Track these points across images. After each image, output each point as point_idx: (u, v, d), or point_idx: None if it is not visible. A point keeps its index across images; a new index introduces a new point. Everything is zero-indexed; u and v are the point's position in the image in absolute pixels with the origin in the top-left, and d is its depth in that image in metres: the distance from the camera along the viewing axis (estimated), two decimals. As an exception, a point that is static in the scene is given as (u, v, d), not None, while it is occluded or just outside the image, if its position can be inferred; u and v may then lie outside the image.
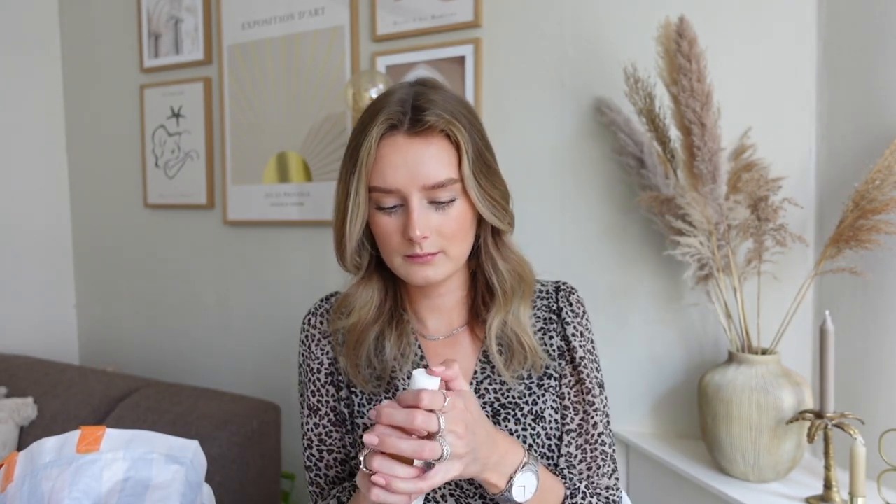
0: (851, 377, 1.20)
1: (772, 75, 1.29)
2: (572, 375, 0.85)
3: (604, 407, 0.85)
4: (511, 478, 0.70)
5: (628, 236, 1.43)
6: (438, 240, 0.75)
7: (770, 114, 1.29)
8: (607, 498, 0.82)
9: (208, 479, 0.96)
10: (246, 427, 1.42)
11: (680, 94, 1.17)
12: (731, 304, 1.25)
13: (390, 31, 1.63)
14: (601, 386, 0.86)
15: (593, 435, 0.84)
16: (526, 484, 0.71)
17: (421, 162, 0.73)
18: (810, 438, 1.08)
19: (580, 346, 0.85)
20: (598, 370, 0.87)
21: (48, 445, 0.82)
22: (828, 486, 1.10)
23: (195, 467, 0.90)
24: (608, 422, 0.86)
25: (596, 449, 0.83)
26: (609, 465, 0.84)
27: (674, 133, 1.27)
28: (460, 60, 1.55)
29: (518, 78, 1.52)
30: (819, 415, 1.10)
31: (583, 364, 0.85)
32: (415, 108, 0.73)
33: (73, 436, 0.84)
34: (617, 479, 0.85)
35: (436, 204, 0.75)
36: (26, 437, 1.61)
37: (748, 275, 1.24)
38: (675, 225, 1.22)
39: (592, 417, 0.84)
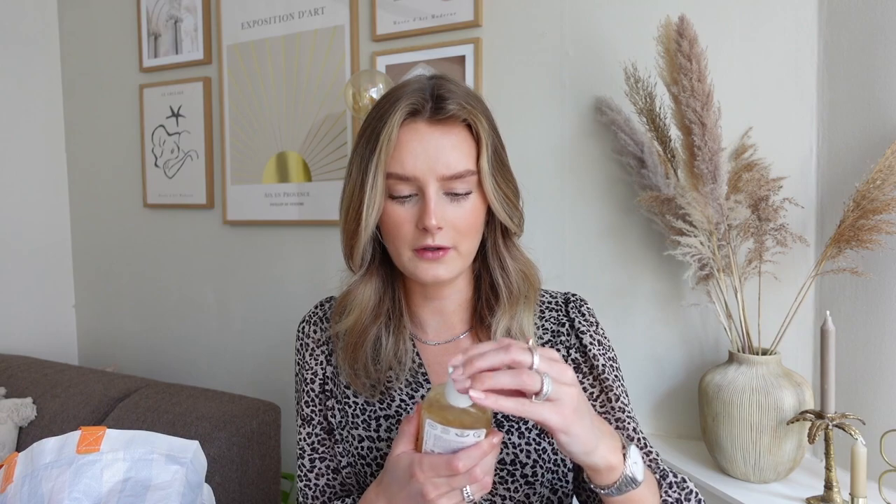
0: (852, 377, 1.20)
1: (772, 75, 1.29)
2: (593, 386, 0.80)
3: (633, 414, 0.80)
4: (625, 454, 0.62)
5: (628, 236, 1.43)
6: (452, 234, 0.73)
7: (770, 114, 1.29)
8: (689, 488, 0.72)
9: (207, 480, 0.96)
10: (245, 427, 1.42)
11: (680, 93, 1.17)
12: (732, 305, 1.25)
13: (390, 31, 1.63)
14: (627, 395, 0.81)
15: (639, 439, 0.77)
16: (638, 461, 0.63)
17: (441, 151, 0.71)
18: (811, 439, 1.08)
19: (600, 355, 0.81)
20: (622, 378, 0.82)
21: (48, 446, 0.82)
22: (828, 486, 1.09)
23: (195, 468, 0.90)
24: (639, 427, 0.80)
25: (647, 456, 0.76)
26: (663, 468, 0.74)
27: (674, 133, 1.27)
28: (460, 60, 1.55)
29: (518, 77, 1.51)
30: (820, 415, 1.10)
31: (605, 372, 0.80)
32: (437, 97, 0.72)
33: (74, 436, 0.84)
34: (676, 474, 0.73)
35: (451, 196, 0.72)
36: (25, 437, 1.60)
37: (749, 275, 1.23)
38: (676, 225, 1.22)
39: (629, 424, 0.77)
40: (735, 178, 1.24)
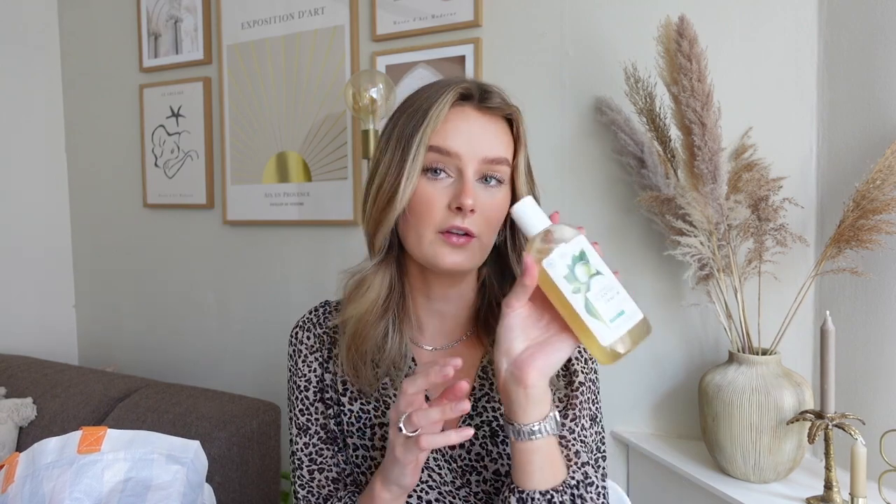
0: (852, 377, 1.20)
1: (772, 75, 1.29)
2: (564, 399, 0.78)
3: (592, 441, 0.76)
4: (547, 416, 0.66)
5: (628, 236, 1.43)
6: (480, 222, 0.72)
7: (770, 114, 1.30)
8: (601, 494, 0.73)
9: (207, 479, 0.96)
10: (245, 427, 1.42)
11: (680, 93, 1.17)
12: (732, 305, 1.25)
13: (390, 31, 1.63)
14: (594, 419, 0.78)
15: (586, 462, 0.73)
16: (549, 427, 0.66)
17: (485, 135, 0.73)
18: (811, 439, 1.08)
19: (581, 371, 0.79)
20: (594, 402, 0.80)
21: (49, 446, 0.83)
22: (828, 486, 1.10)
23: (196, 467, 0.90)
24: (598, 458, 0.78)
25: (578, 459, 0.74)
26: (592, 476, 0.73)
27: (674, 133, 1.27)
28: (460, 60, 1.55)
29: (518, 77, 1.51)
30: (820, 415, 1.10)
31: (579, 391, 0.78)
32: (484, 90, 0.75)
33: (75, 436, 0.84)
34: None
35: (485, 181, 0.73)
36: (25, 437, 1.61)
37: (749, 275, 1.24)
38: (676, 225, 1.22)
39: (572, 446, 0.74)
40: (735, 178, 1.24)
